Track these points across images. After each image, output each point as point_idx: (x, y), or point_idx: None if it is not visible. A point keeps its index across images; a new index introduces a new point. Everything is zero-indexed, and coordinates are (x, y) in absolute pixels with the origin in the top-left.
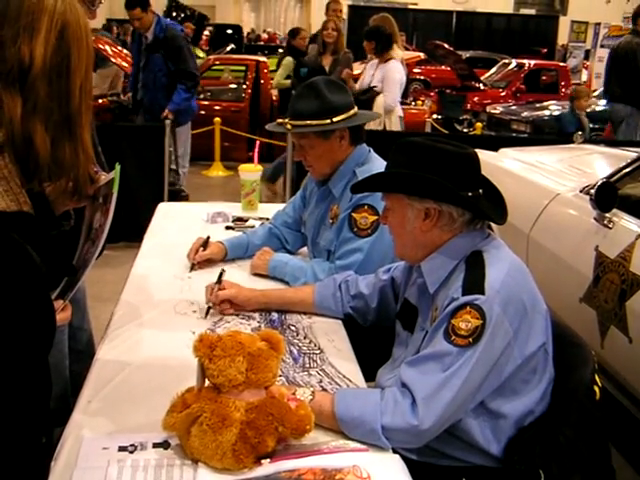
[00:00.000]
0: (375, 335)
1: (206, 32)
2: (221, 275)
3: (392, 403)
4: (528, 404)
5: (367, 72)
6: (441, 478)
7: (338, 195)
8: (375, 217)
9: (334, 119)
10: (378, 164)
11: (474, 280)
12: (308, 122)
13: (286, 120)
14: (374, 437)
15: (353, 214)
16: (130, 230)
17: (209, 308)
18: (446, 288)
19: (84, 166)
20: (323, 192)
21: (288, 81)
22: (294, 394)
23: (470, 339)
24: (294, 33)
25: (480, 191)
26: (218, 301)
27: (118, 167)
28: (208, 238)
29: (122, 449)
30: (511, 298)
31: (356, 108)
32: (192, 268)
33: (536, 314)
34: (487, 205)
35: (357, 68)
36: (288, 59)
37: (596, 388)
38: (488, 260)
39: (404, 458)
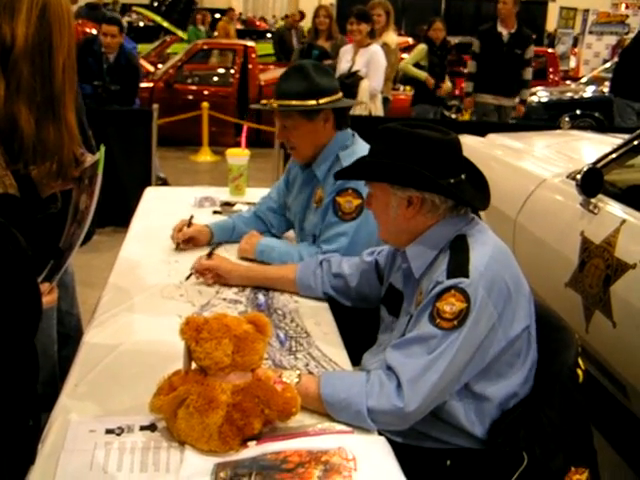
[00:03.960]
0: (361, 320)
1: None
2: (213, 249)
3: (378, 385)
4: (512, 386)
5: (343, 57)
6: (426, 460)
7: (322, 178)
8: (359, 201)
9: (320, 101)
10: (362, 148)
11: (458, 263)
12: (294, 102)
13: (271, 100)
14: (360, 419)
15: (337, 198)
16: (117, 215)
17: (191, 274)
18: (431, 272)
19: (68, 147)
20: (307, 175)
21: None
22: (280, 377)
23: (455, 322)
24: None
25: (462, 176)
26: (201, 268)
27: (103, 148)
28: (191, 217)
29: (109, 432)
30: (495, 281)
31: (341, 93)
32: (177, 247)
33: (520, 296)
34: (469, 191)
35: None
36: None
37: (579, 371)
38: (472, 244)
39: (389, 440)
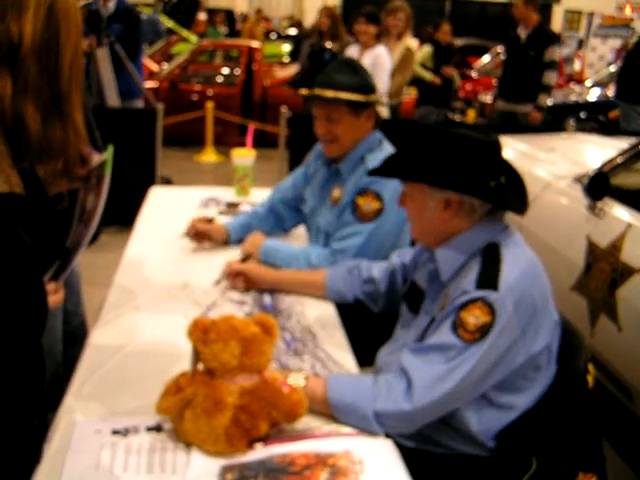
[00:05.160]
0: (374, 320)
1: (202, 17)
2: (247, 257)
3: (385, 389)
4: (527, 400)
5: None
6: (433, 465)
7: (345, 177)
8: (379, 204)
9: (369, 97)
10: (388, 153)
11: (489, 275)
12: (345, 94)
13: (317, 89)
14: (366, 423)
15: (358, 198)
16: (122, 214)
17: (220, 280)
18: (459, 278)
19: (75, 145)
20: (330, 172)
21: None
22: (287, 379)
23: (477, 334)
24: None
25: (502, 180)
26: (232, 271)
27: (111, 148)
28: (212, 219)
29: (115, 432)
30: (523, 297)
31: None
32: (187, 234)
33: (546, 314)
34: (509, 195)
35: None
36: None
37: (589, 377)
38: (505, 255)
39: (397, 444)
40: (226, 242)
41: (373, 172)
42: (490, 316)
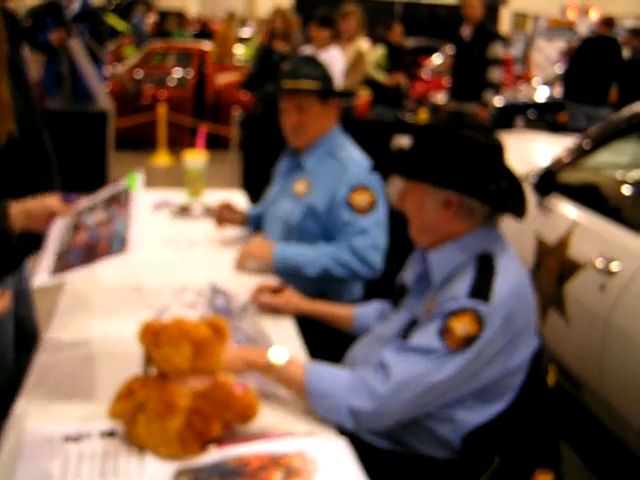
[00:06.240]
0: (335, 337)
1: (152, 18)
2: (283, 286)
3: (363, 385)
4: (499, 406)
5: None
6: (393, 463)
7: (311, 169)
8: (371, 193)
9: (332, 87)
10: (355, 154)
11: (482, 286)
12: (316, 82)
13: (285, 81)
14: (338, 415)
15: (351, 195)
16: None
17: (247, 306)
18: (450, 282)
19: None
20: (293, 163)
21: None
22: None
23: (462, 344)
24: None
25: (502, 184)
26: (265, 305)
27: (136, 175)
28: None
29: (68, 439)
30: (511, 313)
31: None
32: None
33: (528, 332)
34: (508, 199)
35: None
36: None
37: (549, 377)
38: (499, 268)
39: (362, 445)
40: (243, 223)
41: (377, 167)
42: (478, 328)
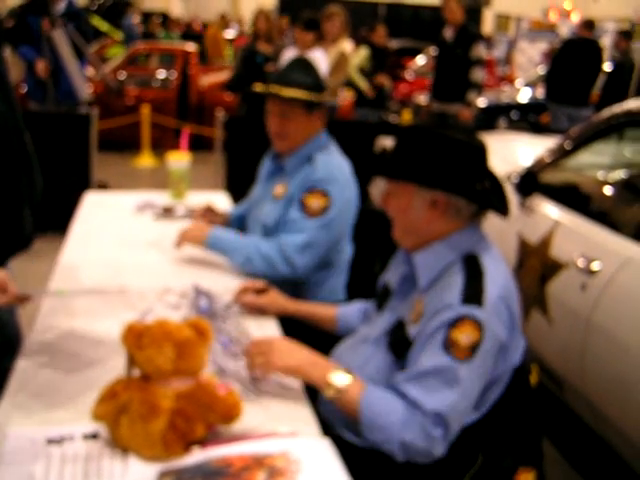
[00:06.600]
0: (318, 338)
1: (136, 19)
2: (267, 287)
3: (417, 422)
4: (481, 411)
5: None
6: (378, 461)
7: (289, 172)
8: (326, 201)
9: (322, 97)
10: (337, 158)
11: (473, 290)
12: (301, 92)
13: (272, 86)
14: (388, 446)
15: (306, 196)
16: (56, 220)
17: (230, 306)
18: (438, 287)
19: None
20: (275, 166)
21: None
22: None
23: (469, 352)
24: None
25: (486, 183)
26: (247, 305)
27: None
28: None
29: (51, 441)
30: (505, 313)
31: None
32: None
33: (516, 331)
34: (492, 198)
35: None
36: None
37: (531, 377)
38: (486, 269)
39: (345, 445)
40: (223, 223)
41: (360, 171)
42: (479, 333)
